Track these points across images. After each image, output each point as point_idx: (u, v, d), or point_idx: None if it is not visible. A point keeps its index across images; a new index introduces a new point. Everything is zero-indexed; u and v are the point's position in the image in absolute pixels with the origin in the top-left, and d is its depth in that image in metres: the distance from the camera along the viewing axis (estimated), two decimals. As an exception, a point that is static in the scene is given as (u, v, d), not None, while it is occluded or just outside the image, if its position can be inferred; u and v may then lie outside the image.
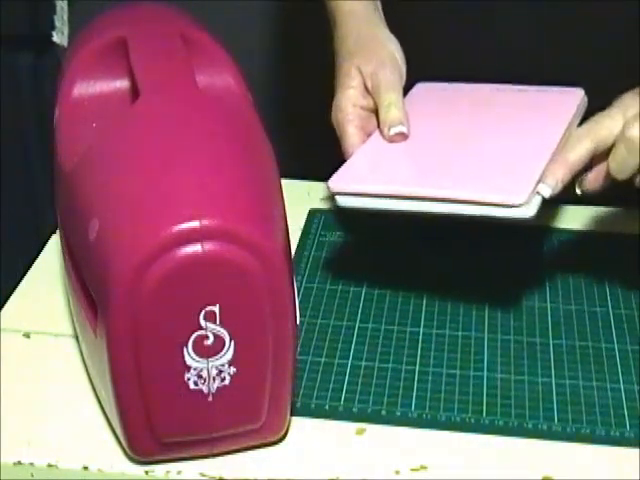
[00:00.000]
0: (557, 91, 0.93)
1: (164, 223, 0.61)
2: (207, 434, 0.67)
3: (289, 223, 0.68)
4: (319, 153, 0.94)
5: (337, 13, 0.95)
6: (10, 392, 0.74)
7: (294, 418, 0.72)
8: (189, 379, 0.64)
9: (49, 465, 0.68)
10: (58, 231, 0.79)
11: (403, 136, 0.85)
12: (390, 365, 0.77)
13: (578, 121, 0.88)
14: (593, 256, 0.90)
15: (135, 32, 0.76)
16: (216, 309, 0.62)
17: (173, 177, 0.63)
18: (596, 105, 0.83)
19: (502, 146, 0.83)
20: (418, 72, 0.93)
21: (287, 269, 0.64)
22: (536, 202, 0.76)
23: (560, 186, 0.77)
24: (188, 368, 0.64)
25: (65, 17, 1.50)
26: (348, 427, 0.72)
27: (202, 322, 0.62)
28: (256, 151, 0.70)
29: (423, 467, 0.69)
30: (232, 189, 0.64)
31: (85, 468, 0.68)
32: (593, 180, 0.79)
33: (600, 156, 0.79)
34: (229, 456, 0.69)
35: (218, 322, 0.63)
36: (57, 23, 1.49)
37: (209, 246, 0.61)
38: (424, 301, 0.84)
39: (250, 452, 0.69)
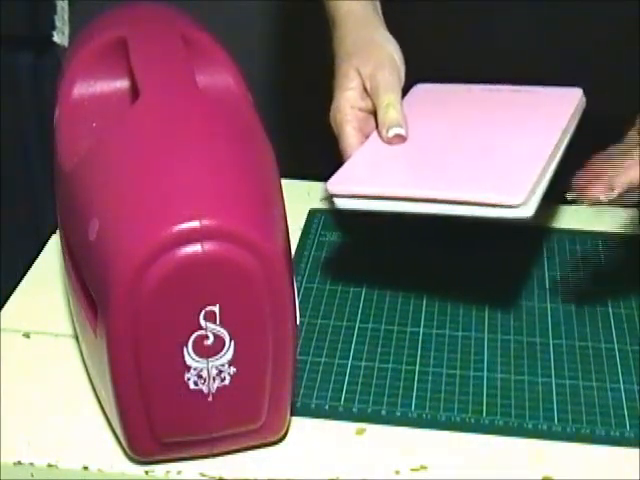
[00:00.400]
0: (555, 91, 0.92)
1: (164, 223, 0.61)
2: (207, 434, 0.67)
3: (289, 223, 0.68)
4: (319, 153, 0.94)
5: (336, 14, 0.95)
6: (10, 392, 0.74)
7: (294, 418, 0.71)
8: (189, 379, 0.64)
9: (49, 465, 0.68)
10: (58, 231, 0.79)
11: (401, 138, 0.85)
12: (390, 365, 0.77)
13: (576, 121, 0.88)
14: (593, 256, 0.90)
15: (135, 32, 0.76)
16: (216, 309, 0.62)
17: (173, 177, 0.63)
18: (596, 105, 0.82)
19: (501, 146, 0.83)
20: (417, 73, 0.93)
21: (287, 269, 0.64)
22: (534, 202, 0.76)
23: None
24: (188, 368, 0.63)
25: (65, 17, 1.50)
26: (348, 427, 0.72)
27: (202, 322, 0.62)
28: (256, 151, 0.70)
29: (423, 467, 0.69)
30: (232, 189, 0.64)
31: (85, 468, 0.68)
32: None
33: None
34: (229, 456, 0.69)
35: (218, 322, 0.63)
36: (58, 23, 1.49)
37: (209, 246, 0.61)
38: (424, 301, 0.84)
39: (250, 452, 0.69)
